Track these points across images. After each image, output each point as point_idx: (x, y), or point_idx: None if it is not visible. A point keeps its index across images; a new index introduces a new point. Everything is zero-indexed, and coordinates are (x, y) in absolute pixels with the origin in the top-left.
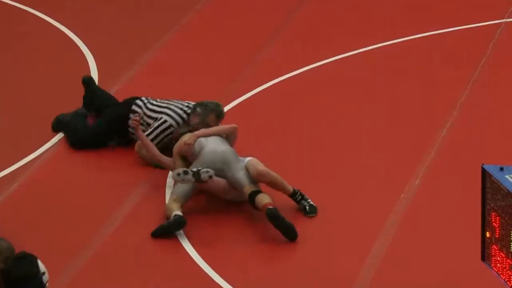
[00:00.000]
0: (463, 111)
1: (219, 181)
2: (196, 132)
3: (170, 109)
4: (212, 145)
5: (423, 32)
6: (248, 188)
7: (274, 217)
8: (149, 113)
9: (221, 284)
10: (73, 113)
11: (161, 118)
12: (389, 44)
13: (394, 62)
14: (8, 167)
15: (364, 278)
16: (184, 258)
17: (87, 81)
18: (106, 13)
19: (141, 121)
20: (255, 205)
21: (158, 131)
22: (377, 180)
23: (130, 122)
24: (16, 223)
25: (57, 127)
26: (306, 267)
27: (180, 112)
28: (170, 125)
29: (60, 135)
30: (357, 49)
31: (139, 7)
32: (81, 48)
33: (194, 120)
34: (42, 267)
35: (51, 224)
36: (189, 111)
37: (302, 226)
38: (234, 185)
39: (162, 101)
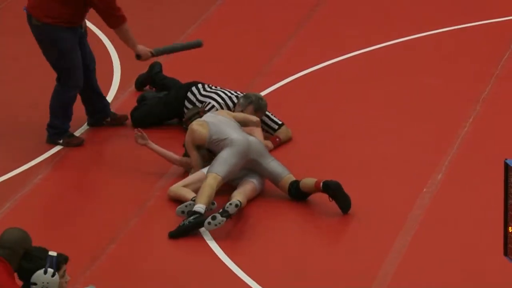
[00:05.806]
0: (486, 105)
1: (249, 186)
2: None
3: (218, 95)
4: (238, 134)
5: (446, 27)
6: (286, 180)
7: (334, 187)
8: (201, 98)
9: (245, 280)
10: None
11: (209, 103)
12: (411, 39)
13: (416, 56)
14: (38, 156)
15: (386, 272)
16: (205, 252)
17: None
18: (129, 7)
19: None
20: (300, 193)
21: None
22: (399, 174)
23: (135, 139)
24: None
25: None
26: (327, 261)
27: (227, 98)
28: (216, 110)
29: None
30: (380, 43)
31: (162, 1)
32: (104, 42)
33: (237, 110)
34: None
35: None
36: (236, 100)
37: (323, 220)
38: (267, 177)
39: (215, 88)
